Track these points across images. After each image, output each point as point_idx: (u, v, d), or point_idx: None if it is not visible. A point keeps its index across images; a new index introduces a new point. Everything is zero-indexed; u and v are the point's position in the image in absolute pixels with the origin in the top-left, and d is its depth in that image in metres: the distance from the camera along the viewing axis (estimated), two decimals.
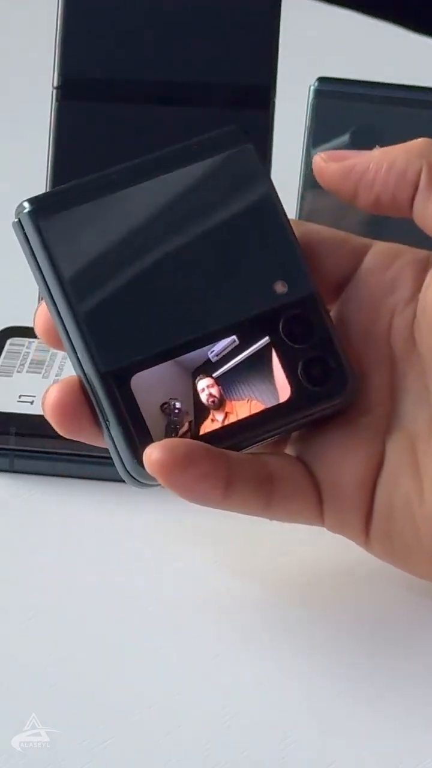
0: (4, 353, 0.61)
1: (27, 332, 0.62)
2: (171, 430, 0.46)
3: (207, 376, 0.46)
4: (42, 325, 0.47)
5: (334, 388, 0.47)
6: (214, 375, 0.46)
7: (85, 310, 0.45)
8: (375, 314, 0.49)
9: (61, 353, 0.59)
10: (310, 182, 0.57)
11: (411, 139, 0.53)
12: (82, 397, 0.46)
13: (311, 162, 0.54)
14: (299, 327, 0.47)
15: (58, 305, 0.45)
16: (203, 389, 0.47)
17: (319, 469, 0.48)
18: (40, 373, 0.60)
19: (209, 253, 0.47)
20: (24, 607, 0.54)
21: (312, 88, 0.57)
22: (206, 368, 0.46)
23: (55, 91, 0.58)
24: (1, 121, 0.85)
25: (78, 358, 0.46)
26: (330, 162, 0.49)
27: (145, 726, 0.48)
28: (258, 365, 0.47)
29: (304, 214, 0.59)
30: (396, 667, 0.49)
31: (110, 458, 0.47)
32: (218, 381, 0.46)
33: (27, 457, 0.56)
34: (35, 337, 0.54)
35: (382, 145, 0.52)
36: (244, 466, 0.46)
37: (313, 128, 0.58)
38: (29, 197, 0.46)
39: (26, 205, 0.45)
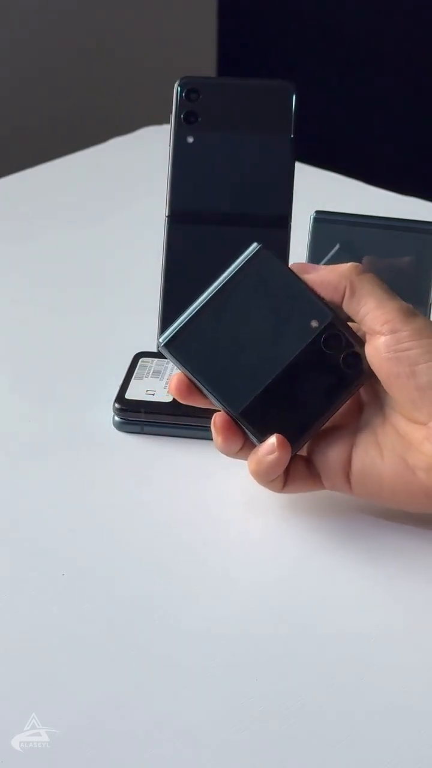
0: (138, 366, 0.76)
1: (150, 354, 0.76)
2: None
3: None
4: (176, 391, 0.62)
5: (360, 368, 0.62)
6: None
7: (215, 382, 0.61)
8: None
9: (170, 365, 0.73)
10: None
11: (377, 249, 0.70)
12: (231, 424, 0.61)
13: (311, 262, 0.71)
14: (333, 340, 0.62)
15: (201, 383, 0.61)
16: None
17: (317, 455, 0.63)
18: (158, 377, 0.75)
19: (272, 320, 0.62)
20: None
21: (312, 216, 0.72)
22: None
23: (166, 218, 0.72)
24: (131, 240, 1.00)
25: (224, 407, 0.61)
26: (299, 268, 0.63)
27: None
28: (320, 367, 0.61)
29: None
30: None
31: (200, 425, 0.66)
32: None
33: (150, 425, 0.72)
34: (156, 357, 0.74)
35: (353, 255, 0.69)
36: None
37: (312, 242, 0.72)
38: (163, 336, 0.62)
39: (161, 341, 0.62)
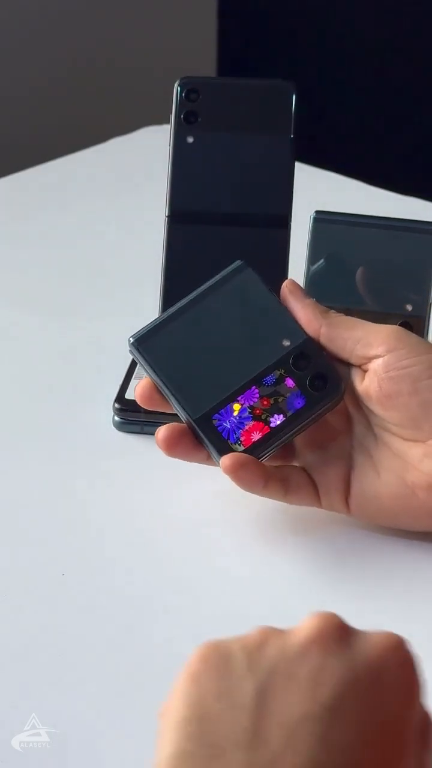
0: (138, 366, 0.76)
1: None
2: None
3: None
4: (140, 397, 0.63)
5: (330, 390, 0.61)
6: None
7: (178, 385, 0.60)
8: None
9: None
10: (311, 274, 0.72)
11: (377, 249, 0.70)
12: (182, 433, 0.60)
13: (311, 262, 0.71)
14: (302, 361, 0.62)
15: (164, 385, 0.61)
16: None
17: (315, 473, 0.63)
18: None
19: (244, 334, 0.62)
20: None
21: (312, 216, 0.73)
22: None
23: (166, 218, 0.73)
24: (131, 240, 1.00)
25: (183, 410, 0.60)
26: (287, 290, 0.63)
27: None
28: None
29: (307, 290, 0.68)
30: None
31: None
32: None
33: (150, 425, 0.71)
34: None
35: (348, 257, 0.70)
36: (273, 472, 0.61)
37: (312, 242, 0.72)
38: (134, 334, 0.62)
39: (131, 339, 0.62)
